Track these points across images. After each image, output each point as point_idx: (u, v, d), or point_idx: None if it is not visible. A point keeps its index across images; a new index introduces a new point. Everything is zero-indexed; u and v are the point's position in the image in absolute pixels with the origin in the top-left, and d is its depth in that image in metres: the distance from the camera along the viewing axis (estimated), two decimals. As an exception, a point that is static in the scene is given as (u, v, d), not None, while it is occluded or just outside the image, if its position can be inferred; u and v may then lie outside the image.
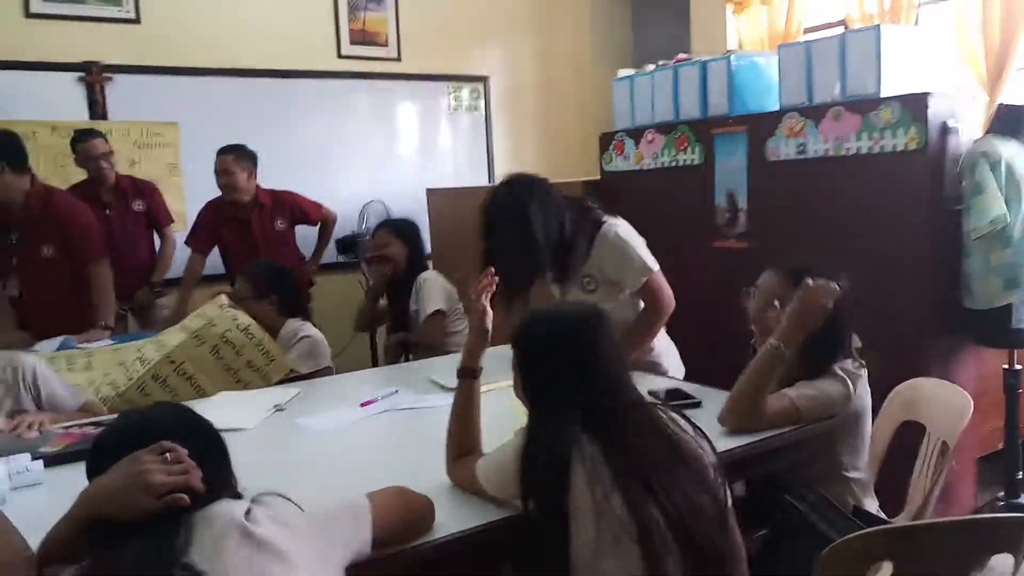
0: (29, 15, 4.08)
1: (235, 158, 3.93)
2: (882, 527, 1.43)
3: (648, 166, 3.76)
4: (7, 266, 3.44)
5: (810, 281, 1.87)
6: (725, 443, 1.81)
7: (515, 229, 2.31)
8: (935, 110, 2.75)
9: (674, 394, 2.18)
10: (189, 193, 4.40)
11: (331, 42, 4.94)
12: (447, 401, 1.77)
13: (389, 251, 3.47)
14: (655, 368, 2.63)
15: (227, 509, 1.17)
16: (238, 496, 1.26)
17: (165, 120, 4.40)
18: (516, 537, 1.47)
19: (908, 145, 2.79)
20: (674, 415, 1.51)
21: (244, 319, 2.70)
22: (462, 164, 5.43)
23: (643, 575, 1.30)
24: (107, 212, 3.85)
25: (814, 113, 3.07)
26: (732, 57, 3.39)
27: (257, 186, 4.04)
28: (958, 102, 2.86)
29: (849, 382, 1.94)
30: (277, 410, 2.26)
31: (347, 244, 4.57)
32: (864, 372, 2.02)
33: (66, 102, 4.17)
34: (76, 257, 3.41)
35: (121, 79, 4.29)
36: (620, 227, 2.47)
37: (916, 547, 1.36)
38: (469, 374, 1.73)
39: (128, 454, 1.19)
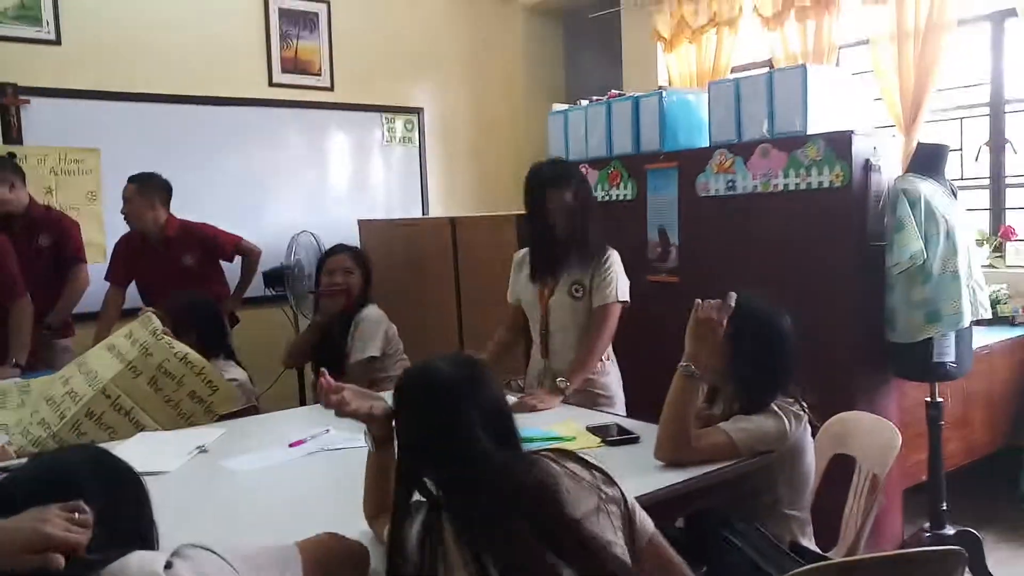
0: (-61, 34, 3.91)
1: (137, 188, 3.76)
2: (821, 564, 1.44)
3: (582, 199, 3.77)
4: None
5: (700, 300, 1.90)
6: (664, 479, 1.80)
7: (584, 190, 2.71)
8: (858, 148, 2.84)
9: (612, 430, 2.17)
10: (109, 223, 4.23)
11: (262, 69, 4.86)
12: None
13: (350, 280, 3.19)
14: (601, 400, 2.67)
15: (144, 563, 1.09)
16: (154, 548, 1.18)
17: (86, 146, 4.25)
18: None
19: (833, 182, 2.87)
20: (567, 464, 1.39)
21: (181, 347, 2.57)
22: (395, 196, 5.40)
23: None
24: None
25: (743, 150, 3.14)
26: (664, 93, 3.45)
27: (169, 217, 3.87)
28: (879, 140, 2.95)
29: (785, 419, 1.96)
30: (200, 451, 2.16)
31: (274, 276, 4.44)
32: (803, 414, 2.02)
33: (-23, 125, 4.00)
34: None
35: (39, 102, 4.14)
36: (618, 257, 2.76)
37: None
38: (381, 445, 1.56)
39: (36, 502, 1.11)
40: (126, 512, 1.17)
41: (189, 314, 2.87)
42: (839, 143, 2.86)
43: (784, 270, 3.02)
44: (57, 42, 4.21)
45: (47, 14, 4.18)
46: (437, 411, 1.35)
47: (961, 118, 4.24)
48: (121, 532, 1.13)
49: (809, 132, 2.97)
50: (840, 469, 2.28)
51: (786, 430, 1.95)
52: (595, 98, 3.74)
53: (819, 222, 2.93)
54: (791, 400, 2.00)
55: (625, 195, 3.58)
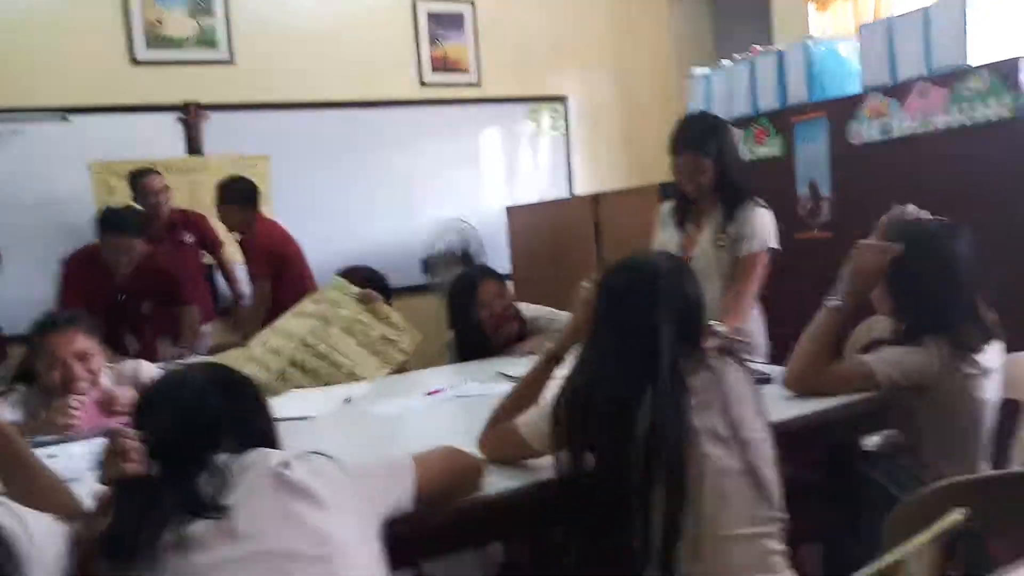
0: (135, 62, 4.38)
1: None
2: (954, 479, 1.31)
3: (727, 163, 3.66)
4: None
5: (862, 241, 1.76)
6: (795, 409, 1.71)
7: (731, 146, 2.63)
8: (1028, 76, 2.58)
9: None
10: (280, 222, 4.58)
11: (414, 71, 5.08)
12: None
13: (508, 301, 2.92)
14: (743, 347, 2.56)
15: (263, 457, 1.18)
16: (275, 447, 1.27)
17: (258, 153, 4.61)
18: (569, 498, 1.41)
19: (1000, 115, 2.61)
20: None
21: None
22: (544, 182, 5.45)
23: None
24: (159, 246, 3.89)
25: (898, 91, 2.93)
26: (809, 43, 3.29)
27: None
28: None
29: (936, 354, 1.76)
30: (346, 402, 2.28)
31: (428, 264, 4.61)
32: (973, 364, 1.77)
33: (166, 140, 4.43)
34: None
35: (217, 116, 4.53)
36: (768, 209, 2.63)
37: (990, 497, 1.24)
38: (553, 359, 1.65)
39: (163, 408, 1.24)
40: (245, 415, 1.27)
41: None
42: (1007, 72, 2.60)
43: (953, 217, 2.78)
44: (231, 62, 4.61)
45: (222, 38, 4.59)
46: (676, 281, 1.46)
47: None
48: (241, 432, 1.23)
49: (972, 64, 2.72)
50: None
51: (935, 367, 1.74)
52: (738, 57, 3.61)
53: (987, 159, 2.67)
54: (963, 342, 1.77)
55: (772, 152, 3.43)
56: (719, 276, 2.62)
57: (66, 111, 4.20)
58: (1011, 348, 1.94)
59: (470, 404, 2.12)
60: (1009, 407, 2.03)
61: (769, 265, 2.61)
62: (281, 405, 2.11)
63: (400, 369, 2.79)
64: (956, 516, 1.14)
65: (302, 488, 1.13)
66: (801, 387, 1.79)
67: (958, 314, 1.80)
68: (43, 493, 1.28)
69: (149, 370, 2.40)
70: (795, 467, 2.03)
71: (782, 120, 3.38)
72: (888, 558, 1.16)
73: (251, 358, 2.73)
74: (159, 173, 4.06)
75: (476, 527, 1.40)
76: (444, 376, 2.56)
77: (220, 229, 4.22)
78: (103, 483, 1.14)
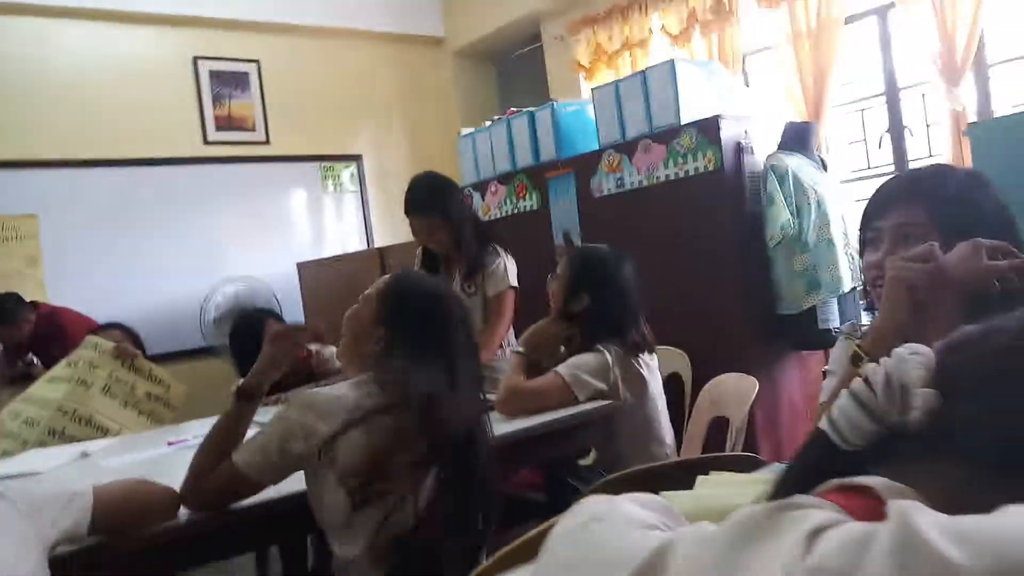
0: None
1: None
2: (610, 476, 1.50)
3: (495, 215, 3.91)
4: None
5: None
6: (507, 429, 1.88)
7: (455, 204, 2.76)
8: (728, 132, 2.97)
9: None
10: (51, 287, 4.38)
11: (197, 129, 5.05)
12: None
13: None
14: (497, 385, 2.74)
15: None
16: None
17: (23, 212, 4.40)
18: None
19: (707, 166, 2.99)
20: None
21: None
22: (342, 238, 5.53)
23: None
24: None
25: (628, 148, 3.28)
26: (555, 104, 3.61)
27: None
28: (750, 124, 3.08)
29: (607, 354, 2.07)
30: (83, 455, 2.23)
31: (217, 322, 4.55)
32: (636, 363, 2.14)
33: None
34: None
35: (-25, 175, 4.30)
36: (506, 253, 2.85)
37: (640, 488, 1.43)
38: (247, 396, 1.59)
39: None
40: None
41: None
42: (709, 129, 2.99)
43: (673, 256, 3.13)
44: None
45: (-14, 86, 4.38)
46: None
47: (862, 110, 4.39)
48: None
49: (683, 123, 3.10)
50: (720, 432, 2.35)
51: (608, 363, 2.06)
52: (496, 117, 3.89)
53: (696, 206, 3.04)
54: (631, 349, 2.12)
55: (531, 205, 3.71)
56: (474, 319, 2.81)
57: None
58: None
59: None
60: (719, 424, 2.33)
61: (516, 302, 2.83)
62: (13, 462, 2.05)
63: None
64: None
65: None
66: (508, 410, 1.98)
67: (627, 323, 2.15)
68: None
69: None
70: (518, 487, 2.22)
71: (537, 176, 3.67)
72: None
73: (5, 433, 2.59)
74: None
75: (168, 554, 1.43)
76: (200, 426, 2.54)
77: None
78: None
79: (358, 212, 5.68)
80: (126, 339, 3.06)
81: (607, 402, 2.03)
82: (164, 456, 2.15)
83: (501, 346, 2.83)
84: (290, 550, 2.74)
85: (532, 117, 3.68)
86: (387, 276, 1.71)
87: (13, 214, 4.38)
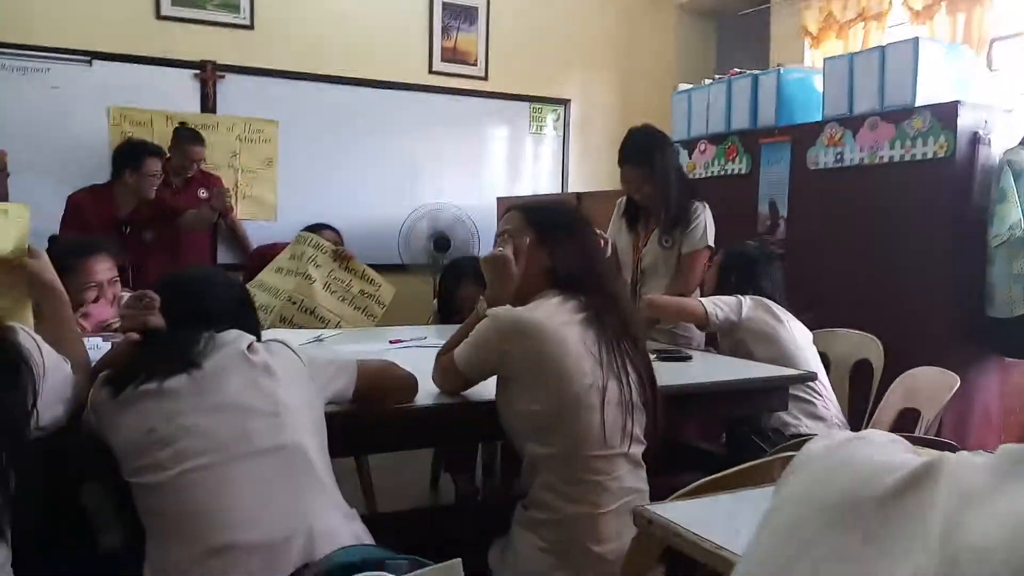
0: (159, 17, 4.64)
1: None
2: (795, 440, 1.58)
3: (700, 175, 3.93)
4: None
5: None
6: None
7: (669, 159, 2.86)
8: (965, 120, 2.85)
9: (670, 353, 2.37)
10: (282, 186, 4.85)
11: (424, 58, 5.34)
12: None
13: None
14: (680, 341, 2.85)
15: (235, 338, 1.45)
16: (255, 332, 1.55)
17: (267, 117, 4.87)
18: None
19: (937, 152, 2.89)
20: None
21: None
22: (538, 179, 5.72)
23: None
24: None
25: (853, 123, 3.20)
26: (781, 70, 3.56)
27: None
28: (991, 113, 2.93)
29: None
30: (318, 340, 2.54)
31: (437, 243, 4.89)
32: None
33: (182, 96, 4.69)
34: None
35: (232, 78, 4.79)
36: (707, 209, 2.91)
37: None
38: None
39: (186, 285, 1.57)
40: (242, 309, 1.58)
41: None
42: (945, 114, 2.88)
43: (883, 240, 3.06)
44: (250, 27, 4.86)
45: (244, 2, 4.84)
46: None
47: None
48: (234, 321, 1.51)
49: (918, 104, 3.00)
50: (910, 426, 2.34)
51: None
52: (718, 77, 3.88)
53: (918, 192, 2.95)
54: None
55: (740, 169, 3.71)
56: (666, 272, 2.90)
57: (90, 55, 4.45)
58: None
59: (425, 352, 2.39)
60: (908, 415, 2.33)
61: (708, 261, 2.89)
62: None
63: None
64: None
65: (260, 364, 1.42)
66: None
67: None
68: (68, 340, 1.51)
69: None
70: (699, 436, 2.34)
71: (751, 140, 3.66)
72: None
73: None
74: (202, 143, 4.27)
75: (409, 432, 1.67)
76: (412, 332, 2.81)
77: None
78: (123, 330, 1.41)
79: (557, 155, 5.82)
80: (338, 240, 3.43)
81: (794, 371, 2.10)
82: (388, 351, 2.41)
83: None
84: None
85: (755, 80, 3.65)
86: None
87: (258, 117, 4.85)
